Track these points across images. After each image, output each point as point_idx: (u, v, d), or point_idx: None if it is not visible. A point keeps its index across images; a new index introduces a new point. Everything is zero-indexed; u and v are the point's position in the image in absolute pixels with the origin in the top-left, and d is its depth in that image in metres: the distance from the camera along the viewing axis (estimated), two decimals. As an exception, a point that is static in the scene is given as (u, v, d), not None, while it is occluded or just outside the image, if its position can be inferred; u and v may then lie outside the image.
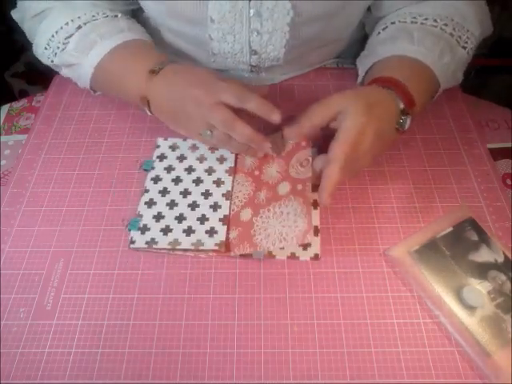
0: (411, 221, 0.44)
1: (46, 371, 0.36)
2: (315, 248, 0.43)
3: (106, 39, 0.49)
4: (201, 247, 0.42)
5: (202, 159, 0.49)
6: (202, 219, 0.44)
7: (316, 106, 0.41)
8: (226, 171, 0.48)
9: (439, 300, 0.38)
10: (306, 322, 0.38)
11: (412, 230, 0.44)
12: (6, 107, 0.59)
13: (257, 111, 0.43)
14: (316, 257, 0.42)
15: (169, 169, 0.49)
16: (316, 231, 0.44)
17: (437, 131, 0.52)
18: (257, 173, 0.47)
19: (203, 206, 0.45)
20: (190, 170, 0.49)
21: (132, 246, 0.43)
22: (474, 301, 0.38)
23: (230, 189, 0.47)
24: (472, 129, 0.52)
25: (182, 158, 0.50)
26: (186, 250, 0.42)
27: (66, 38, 0.49)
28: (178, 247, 0.42)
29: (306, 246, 0.43)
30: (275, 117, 0.42)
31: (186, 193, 0.46)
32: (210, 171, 0.48)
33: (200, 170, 0.48)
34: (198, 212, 0.45)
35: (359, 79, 0.54)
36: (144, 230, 0.44)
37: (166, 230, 0.43)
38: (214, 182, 0.47)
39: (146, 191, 0.47)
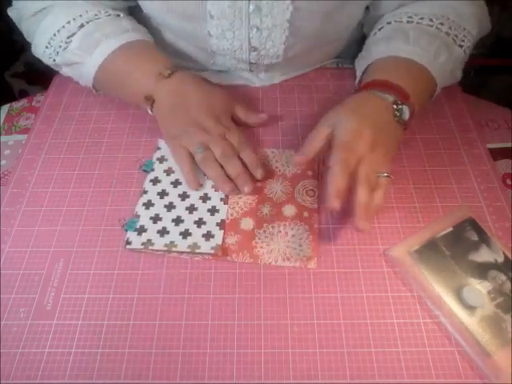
0: (411, 221, 0.44)
1: (46, 371, 0.36)
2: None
3: (110, 38, 0.49)
4: (197, 250, 0.42)
5: None
6: (199, 223, 0.44)
7: (313, 131, 0.43)
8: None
9: (439, 300, 0.38)
10: (306, 322, 0.38)
11: (412, 229, 0.44)
12: (6, 107, 0.59)
13: (248, 164, 0.46)
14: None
15: (168, 171, 0.49)
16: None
17: (437, 131, 0.52)
18: (259, 184, 0.47)
19: (201, 209, 0.45)
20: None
21: (128, 246, 0.43)
22: (474, 301, 0.38)
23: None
24: (472, 129, 0.52)
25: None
26: (181, 253, 0.42)
27: (68, 37, 0.49)
28: (173, 249, 0.42)
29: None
30: (259, 174, 0.46)
31: (184, 196, 0.46)
32: None
33: (200, 173, 0.48)
34: (196, 215, 0.45)
35: (356, 81, 0.54)
36: (141, 231, 0.44)
37: (163, 232, 0.43)
38: (213, 186, 0.47)
39: (145, 192, 0.47)
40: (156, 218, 0.45)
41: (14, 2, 0.53)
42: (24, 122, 0.57)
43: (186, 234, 0.43)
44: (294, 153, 0.50)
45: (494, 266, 0.40)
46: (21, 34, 0.55)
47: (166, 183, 0.48)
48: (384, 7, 0.54)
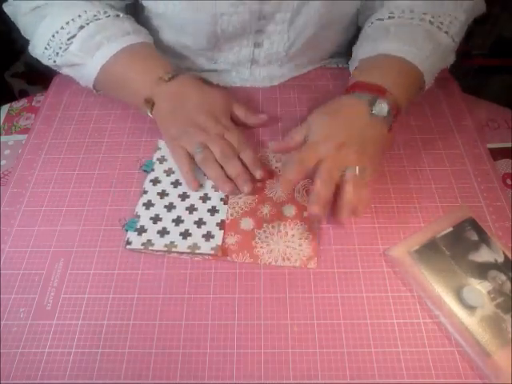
0: (411, 221, 0.44)
1: (46, 371, 0.36)
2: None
3: (112, 41, 0.49)
4: (197, 250, 0.42)
5: None
6: (199, 223, 0.44)
7: (291, 131, 0.47)
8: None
9: (439, 300, 0.38)
10: (306, 322, 0.38)
11: (412, 229, 0.44)
12: (6, 107, 0.59)
13: (247, 164, 0.46)
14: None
15: (168, 172, 0.49)
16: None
17: (437, 131, 0.52)
18: (259, 184, 0.47)
19: (201, 209, 0.45)
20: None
21: (128, 246, 0.43)
22: (474, 301, 0.38)
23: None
24: (472, 129, 0.52)
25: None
26: (181, 253, 0.42)
27: (68, 39, 0.49)
28: (173, 250, 0.42)
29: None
30: (258, 174, 0.46)
31: (184, 196, 0.46)
32: None
33: (200, 174, 0.48)
34: (196, 215, 0.45)
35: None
36: (141, 231, 0.44)
37: (163, 232, 0.43)
38: (213, 186, 0.47)
39: (145, 192, 0.47)
40: (156, 219, 0.45)
41: None
42: (24, 121, 0.57)
43: (186, 234, 0.43)
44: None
45: (494, 266, 0.40)
46: (21, 34, 0.55)
47: (166, 183, 0.48)
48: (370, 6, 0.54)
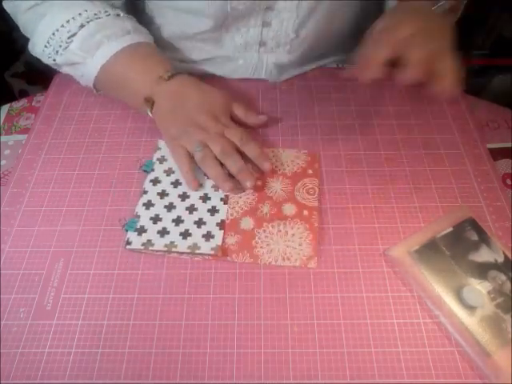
0: (411, 221, 0.44)
1: (46, 371, 0.36)
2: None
3: (112, 41, 0.49)
4: (197, 251, 0.42)
5: None
6: (199, 223, 0.44)
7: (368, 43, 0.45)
8: None
9: (439, 300, 0.38)
10: (306, 322, 0.38)
11: (412, 229, 0.44)
12: (6, 107, 0.59)
13: (252, 158, 0.46)
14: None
15: (168, 172, 0.49)
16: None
17: (437, 131, 0.52)
18: (259, 183, 0.47)
19: (201, 209, 0.45)
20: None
21: (128, 246, 0.43)
22: (474, 301, 0.38)
23: (228, 193, 0.47)
24: (472, 129, 0.52)
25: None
26: (181, 253, 0.42)
27: (68, 37, 0.49)
28: (173, 250, 0.42)
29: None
30: (266, 166, 0.46)
31: (184, 196, 0.46)
32: None
33: (200, 174, 0.48)
34: (196, 215, 0.45)
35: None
36: (141, 231, 0.44)
37: (163, 232, 0.43)
38: (213, 186, 0.47)
39: (145, 192, 0.47)
40: (156, 219, 0.45)
41: None
42: (24, 121, 0.57)
43: (186, 234, 0.43)
44: (294, 152, 0.50)
45: (494, 266, 0.40)
46: (21, 34, 0.55)
47: (166, 183, 0.48)
48: None
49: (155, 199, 0.46)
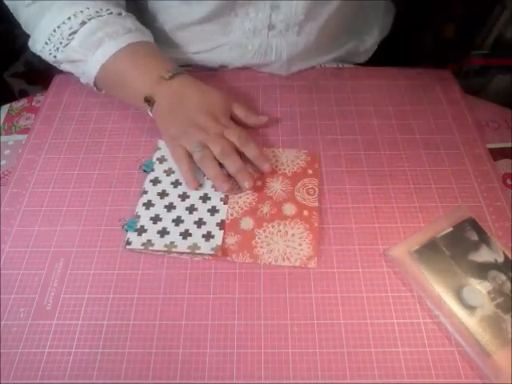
0: (411, 221, 0.44)
1: (46, 371, 0.36)
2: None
3: (113, 39, 0.49)
4: (197, 251, 0.42)
5: None
6: (199, 223, 0.44)
7: None
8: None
9: (439, 300, 0.38)
10: (306, 322, 0.38)
11: (412, 229, 0.44)
12: (6, 107, 0.59)
13: (252, 159, 0.47)
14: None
15: (168, 172, 0.49)
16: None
17: (437, 131, 0.52)
18: (259, 183, 0.47)
19: (201, 209, 0.45)
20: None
21: (128, 246, 0.43)
22: (474, 301, 0.38)
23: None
24: (472, 129, 0.52)
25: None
26: (181, 253, 0.42)
27: (70, 34, 0.49)
28: (173, 250, 0.42)
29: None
30: (266, 167, 0.47)
31: (184, 196, 0.46)
32: None
33: (200, 174, 0.48)
34: (196, 215, 0.45)
35: None
36: (141, 231, 0.44)
37: (163, 233, 0.43)
38: (213, 186, 0.47)
39: (145, 192, 0.47)
40: (156, 219, 0.45)
41: None
42: (24, 121, 0.57)
43: (186, 234, 0.43)
44: (294, 152, 0.50)
45: (494, 266, 0.40)
46: (21, 33, 0.55)
47: (166, 183, 0.48)
48: None
49: (155, 199, 0.46)
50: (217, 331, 0.38)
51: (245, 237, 0.43)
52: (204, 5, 0.53)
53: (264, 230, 0.43)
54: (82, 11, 0.49)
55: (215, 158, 0.46)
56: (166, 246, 0.42)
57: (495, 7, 0.76)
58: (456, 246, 0.41)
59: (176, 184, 0.48)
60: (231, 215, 0.45)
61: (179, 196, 0.46)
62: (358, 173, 0.48)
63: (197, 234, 0.43)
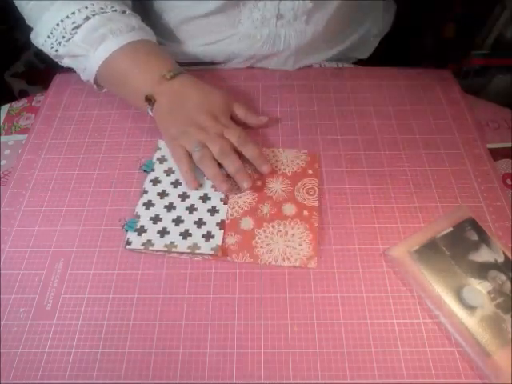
0: (411, 221, 0.44)
1: (46, 371, 0.36)
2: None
3: (116, 36, 0.49)
4: (197, 251, 0.42)
5: None
6: (199, 223, 0.44)
7: None
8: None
9: (439, 300, 0.38)
10: (306, 322, 0.38)
11: (412, 229, 0.44)
12: (6, 107, 0.59)
13: (251, 159, 0.47)
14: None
15: (168, 172, 0.49)
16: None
17: (437, 131, 0.52)
18: (259, 183, 0.47)
19: (201, 209, 0.45)
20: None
21: (128, 247, 0.43)
22: (474, 301, 0.38)
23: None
24: (472, 129, 0.52)
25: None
26: (181, 253, 0.42)
27: (73, 29, 0.49)
28: (173, 250, 0.42)
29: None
30: (265, 168, 0.47)
31: (184, 196, 0.46)
32: None
33: (200, 174, 0.48)
34: (196, 215, 0.45)
35: None
36: (141, 231, 0.44)
37: (163, 233, 0.43)
38: (213, 186, 0.47)
39: (145, 192, 0.47)
40: (156, 219, 0.45)
41: None
42: (24, 121, 0.57)
43: (186, 234, 0.43)
44: (294, 152, 0.50)
45: (494, 266, 0.40)
46: (22, 33, 0.55)
47: (166, 183, 0.48)
48: None
49: (155, 199, 0.46)
50: (217, 331, 0.38)
51: (245, 237, 0.43)
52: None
53: (264, 230, 0.43)
54: (86, 7, 0.49)
55: (214, 158, 0.46)
56: (166, 246, 0.42)
57: (495, 7, 0.76)
58: (456, 246, 0.41)
59: (176, 184, 0.48)
60: (231, 215, 0.45)
61: (179, 196, 0.46)
62: (358, 173, 0.48)
63: (197, 233, 0.43)
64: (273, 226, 0.44)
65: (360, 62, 0.67)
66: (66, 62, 0.53)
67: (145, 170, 0.49)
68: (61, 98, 0.58)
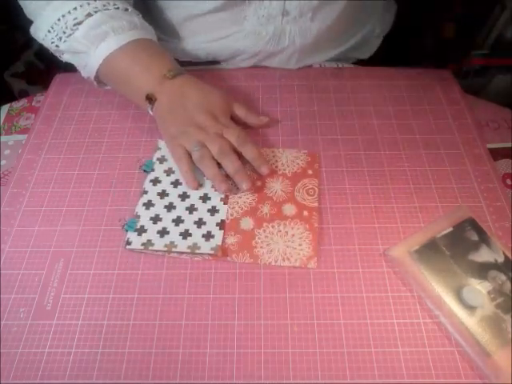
0: (411, 221, 0.44)
1: (46, 371, 0.36)
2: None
3: (118, 33, 0.49)
4: (197, 251, 0.42)
5: None
6: (199, 223, 0.44)
7: None
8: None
9: (439, 300, 0.38)
10: (306, 322, 0.38)
11: (412, 229, 0.44)
12: (6, 107, 0.59)
13: (250, 160, 0.47)
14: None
15: (168, 172, 0.49)
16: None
17: (437, 131, 0.52)
18: (259, 183, 0.47)
19: (201, 209, 0.45)
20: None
21: (128, 246, 0.43)
22: (474, 301, 0.38)
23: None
24: (472, 129, 0.52)
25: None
26: (181, 253, 0.42)
27: (74, 25, 0.48)
28: (173, 250, 0.42)
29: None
30: (264, 169, 0.47)
31: (184, 196, 0.46)
32: None
33: (200, 174, 0.48)
34: (196, 215, 0.45)
35: None
36: (141, 231, 0.44)
37: (163, 233, 0.43)
38: (213, 186, 0.47)
39: (145, 192, 0.47)
40: (156, 219, 0.45)
41: None
42: (24, 121, 0.57)
43: (186, 234, 0.43)
44: (294, 153, 0.50)
45: (494, 266, 0.40)
46: (21, 33, 0.55)
47: (166, 183, 0.48)
48: None
49: (155, 199, 0.46)
50: (217, 331, 0.38)
51: (245, 237, 0.43)
52: None
53: (264, 230, 0.43)
54: (88, 3, 0.49)
55: (214, 158, 0.46)
56: (166, 245, 0.42)
57: (495, 7, 0.76)
58: (456, 246, 0.41)
59: (176, 184, 0.48)
60: (231, 215, 0.45)
61: (179, 196, 0.46)
62: (357, 173, 0.48)
63: (197, 233, 0.43)
64: (273, 226, 0.44)
65: (360, 62, 0.67)
66: (66, 58, 0.52)
67: (145, 170, 0.49)
68: (61, 98, 0.58)
